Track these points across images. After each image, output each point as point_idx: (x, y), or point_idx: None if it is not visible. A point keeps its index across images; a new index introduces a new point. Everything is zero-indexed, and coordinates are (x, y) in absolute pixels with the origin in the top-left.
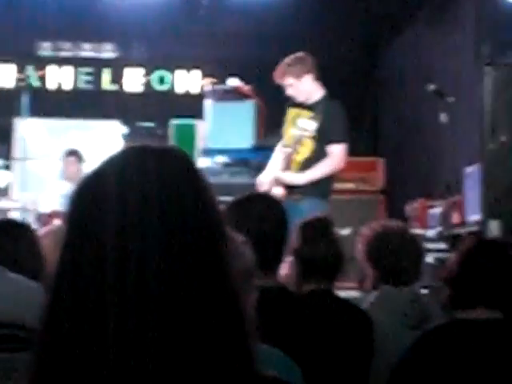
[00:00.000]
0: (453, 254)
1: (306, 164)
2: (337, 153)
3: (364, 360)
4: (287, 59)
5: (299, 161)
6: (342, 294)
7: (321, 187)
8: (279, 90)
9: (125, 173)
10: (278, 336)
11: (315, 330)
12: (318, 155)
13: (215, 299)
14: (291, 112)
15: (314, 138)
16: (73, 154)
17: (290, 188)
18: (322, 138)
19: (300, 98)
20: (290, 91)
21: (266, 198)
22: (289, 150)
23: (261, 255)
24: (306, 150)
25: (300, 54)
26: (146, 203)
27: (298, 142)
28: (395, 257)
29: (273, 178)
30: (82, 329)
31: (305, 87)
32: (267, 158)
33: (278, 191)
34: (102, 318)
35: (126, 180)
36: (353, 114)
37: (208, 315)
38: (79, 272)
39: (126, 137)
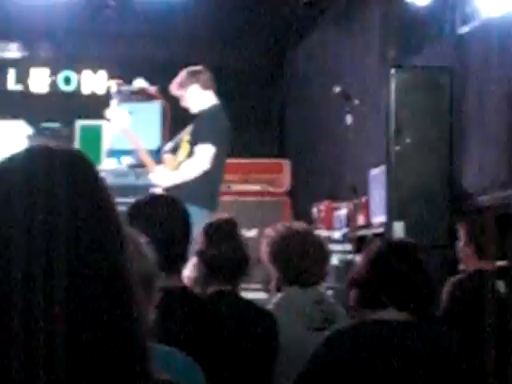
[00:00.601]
0: (360, 256)
1: (179, 166)
2: (199, 153)
3: (268, 361)
4: (181, 72)
5: (176, 163)
6: (249, 295)
7: (187, 191)
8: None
9: (30, 172)
10: (182, 337)
11: (218, 331)
12: (189, 157)
13: (111, 300)
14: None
15: (188, 141)
16: None
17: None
18: (193, 141)
19: (191, 108)
20: (183, 103)
21: (169, 199)
22: (169, 154)
23: (164, 256)
24: (181, 153)
25: (193, 67)
26: (50, 205)
27: (177, 146)
28: (299, 258)
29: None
30: None
31: (192, 97)
32: None
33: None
34: None
35: (31, 179)
36: (259, 117)
37: (102, 316)
38: None
39: (31, 137)
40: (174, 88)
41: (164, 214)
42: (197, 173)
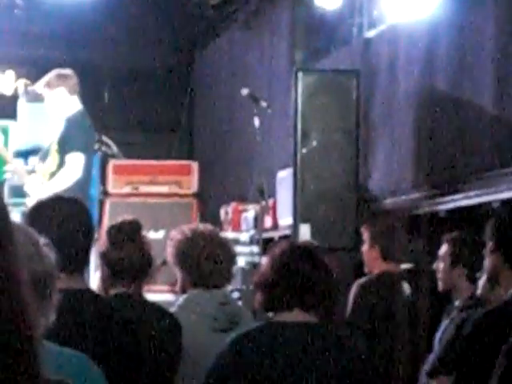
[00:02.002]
0: (264, 259)
1: (51, 176)
2: (70, 163)
3: (171, 362)
4: (51, 72)
5: (46, 174)
6: (155, 297)
7: None
8: (93, 93)
9: None
10: (82, 339)
11: (121, 333)
12: (59, 167)
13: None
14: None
15: (56, 150)
16: None
17: None
18: (62, 150)
19: (51, 109)
20: (46, 102)
21: (71, 200)
22: (38, 163)
23: (65, 257)
24: (52, 162)
25: (63, 70)
26: None
27: (47, 155)
28: (204, 260)
29: None
30: None
31: (57, 100)
32: None
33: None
34: None
35: None
36: (168, 118)
37: None
38: None
39: None
40: (40, 86)
41: (65, 213)
42: (70, 182)
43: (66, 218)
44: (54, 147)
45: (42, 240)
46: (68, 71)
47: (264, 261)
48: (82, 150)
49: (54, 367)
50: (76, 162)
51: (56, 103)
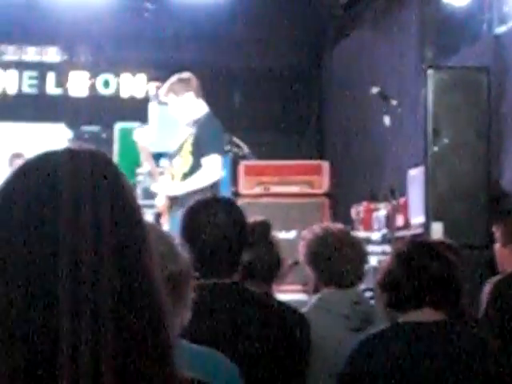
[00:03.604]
0: (387, 258)
1: (184, 177)
2: (209, 165)
3: (301, 362)
4: (171, 78)
5: (178, 175)
6: (287, 296)
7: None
8: (223, 94)
9: (52, 173)
10: (219, 336)
11: (251, 332)
12: (193, 168)
13: (133, 298)
14: (181, 130)
15: (189, 152)
16: (20, 156)
17: (171, 200)
18: (197, 152)
19: (180, 115)
20: (171, 109)
21: (227, 200)
22: (169, 164)
23: (220, 258)
24: (184, 164)
25: (183, 74)
26: (75, 203)
27: (177, 156)
28: (336, 259)
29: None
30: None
31: (186, 105)
32: None
33: (161, 202)
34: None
35: (53, 181)
36: (298, 118)
37: (121, 312)
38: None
39: (71, 141)
40: (165, 93)
41: (222, 214)
42: (207, 184)
43: (223, 218)
44: (188, 149)
45: (176, 240)
46: (188, 74)
47: (387, 259)
48: (219, 151)
49: (191, 366)
50: (215, 163)
51: (185, 108)
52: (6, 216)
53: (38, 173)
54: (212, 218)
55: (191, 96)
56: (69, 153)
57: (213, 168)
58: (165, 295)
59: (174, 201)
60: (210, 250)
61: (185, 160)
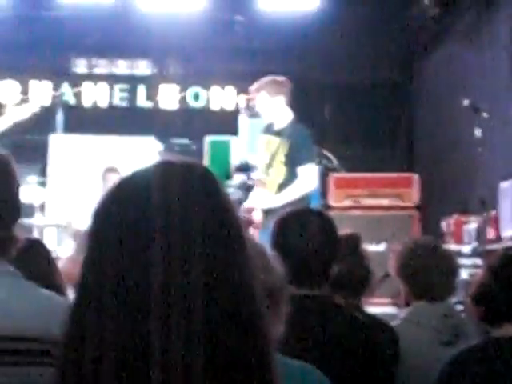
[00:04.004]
0: (480, 271)
1: (279, 188)
2: (306, 175)
3: (388, 376)
4: (266, 78)
5: (273, 186)
6: (378, 310)
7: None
8: (312, 107)
9: (148, 187)
10: (311, 349)
11: (341, 345)
12: (288, 179)
13: (235, 311)
14: (262, 138)
15: (283, 162)
16: (114, 170)
17: (266, 213)
18: (291, 162)
19: (267, 116)
20: (259, 106)
21: (319, 212)
22: (261, 176)
23: (312, 270)
24: (277, 174)
25: (280, 77)
26: (168, 216)
27: (269, 167)
28: (427, 272)
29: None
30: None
31: (275, 107)
32: None
33: (258, 216)
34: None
35: (149, 194)
36: (387, 130)
37: (224, 326)
38: (95, 287)
39: (161, 153)
40: (256, 89)
41: (315, 226)
42: (304, 193)
43: (315, 230)
44: (280, 159)
45: (270, 252)
46: (283, 78)
47: (480, 273)
48: (313, 160)
49: (286, 379)
50: (311, 173)
51: (273, 110)
52: (103, 234)
53: (132, 191)
54: (304, 230)
55: (282, 100)
56: (164, 168)
57: (310, 177)
58: (264, 307)
59: (269, 212)
60: (301, 261)
61: (278, 170)
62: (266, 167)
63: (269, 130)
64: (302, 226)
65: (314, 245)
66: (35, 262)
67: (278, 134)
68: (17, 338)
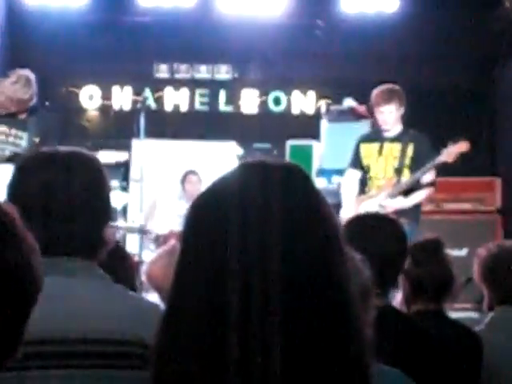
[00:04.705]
0: None
1: (406, 194)
2: (432, 181)
3: (471, 382)
4: (391, 86)
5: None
6: (460, 315)
7: (417, 211)
8: None
9: (245, 189)
10: (393, 356)
11: (425, 351)
12: (412, 184)
13: (330, 313)
14: (371, 147)
15: (407, 166)
16: (194, 173)
17: (397, 213)
18: (416, 166)
19: (387, 126)
20: (384, 116)
21: (388, 218)
22: (392, 179)
23: (378, 274)
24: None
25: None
26: (266, 219)
27: (397, 171)
28: (511, 277)
29: (367, 203)
30: (201, 346)
31: (398, 117)
32: None
33: None
34: (221, 337)
35: (246, 196)
36: (470, 134)
37: (320, 330)
38: (197, 290)
39: (242, 158)
40: (390, 101)
41: (385, 232)
42: (429, 197)
43: (387, 235)
44: (406, 164)
45: (358, 256)
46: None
47: None
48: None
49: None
50: (434, 179)
51: (395, 120)
52: (200, 237)
53: (230, 192)
54: (374, 233)
55: (402, 109)
56: (261, 169)
57: (434, 184)
58: (359, 310)
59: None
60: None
61: (404, 174)
62: (395, 172)
63: (378, 136)
64: (373, 230)
65: (383, 248)
66: (117, 265)
67: (397, 140)
68: (105, 341)
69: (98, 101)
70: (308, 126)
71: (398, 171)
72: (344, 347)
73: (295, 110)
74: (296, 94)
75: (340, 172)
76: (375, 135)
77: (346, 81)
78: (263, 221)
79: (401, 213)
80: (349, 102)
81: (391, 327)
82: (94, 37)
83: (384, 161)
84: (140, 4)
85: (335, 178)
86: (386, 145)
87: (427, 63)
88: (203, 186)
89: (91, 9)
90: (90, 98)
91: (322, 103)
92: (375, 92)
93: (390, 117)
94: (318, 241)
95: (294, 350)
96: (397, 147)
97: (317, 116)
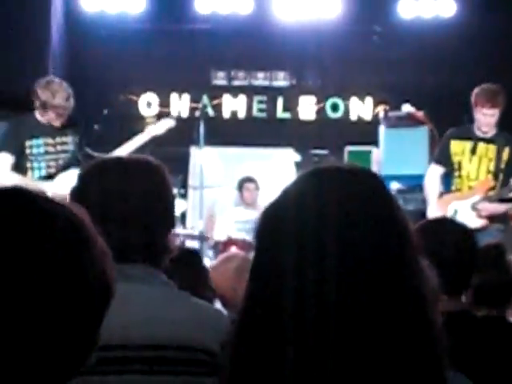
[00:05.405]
0: None
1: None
2: None
3: None
4: (496, 88)
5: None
6: None
7: (507, 216)
8: (449, 116)
9: (303, 198)
10: (461, 361)
11: (490, 357)
12: (502, 186)
13: (411, 318)
14: (464, 144)
15: (502, 170)
16: (251, 181)
17: (490, 218)
18: (510, 170)
19: (487, 128)
20: (487, 119)
21: (456, 223)
22: (487, 181)
23: (449, 279)
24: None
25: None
26: (342, 223)
27: (494, 175)
28: None
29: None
30: (271, 355)
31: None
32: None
33: (477, 222)
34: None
35: (303, 205)
36: None
37: (395, 335)
38: (267, 301)
39: (300, 164)
40: (500, 105)
41: (452, 236)
42: None
43: (453, 240)
44: (500, 166)
45: (425, 261)
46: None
47: None
48: None
49: None
50: None
51: (495, 123)
52: (275, 240)
53: (304, 195)
54: (442, 239)
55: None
56: (334, 173)
57: None
58: (436, 315)
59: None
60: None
61: (500, 176)
62: (492, 175)
63: (472, 134)
64: (443, 235)
65: (451, 254)
66: (184, 272)
67: (492, 141)
68: (168, 347)
69: (155, 108)
70: (366, 133)
71: (495, 175)
72: (425, 351)
73: (353, 116)
74: (353, 100)
75: (398, 178)
76: (468, 133)
77: (403, 86)
78: (339, 226)
79: (493, 217)
80: (407, 108)
81: (467, 332)
82: (151, 44)
83: (477, 161)
84: (197, 11)
85: (393, 184)
86: (481, 145)
87: (486, 69)
88: (260, 193)
89: (149, 16)
90: (148, 105)
91: (380, 109)
92: (479, 92)
93: (493, 120)
94: (397, 247)
95: (374, 361)
96: (492, 149)
97: (375, 122)
